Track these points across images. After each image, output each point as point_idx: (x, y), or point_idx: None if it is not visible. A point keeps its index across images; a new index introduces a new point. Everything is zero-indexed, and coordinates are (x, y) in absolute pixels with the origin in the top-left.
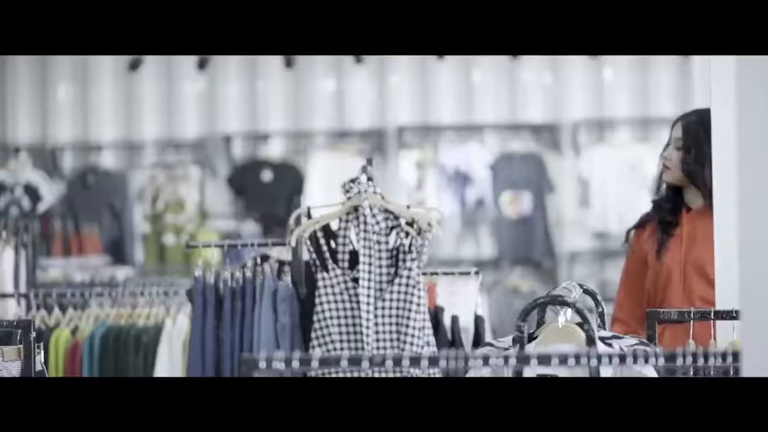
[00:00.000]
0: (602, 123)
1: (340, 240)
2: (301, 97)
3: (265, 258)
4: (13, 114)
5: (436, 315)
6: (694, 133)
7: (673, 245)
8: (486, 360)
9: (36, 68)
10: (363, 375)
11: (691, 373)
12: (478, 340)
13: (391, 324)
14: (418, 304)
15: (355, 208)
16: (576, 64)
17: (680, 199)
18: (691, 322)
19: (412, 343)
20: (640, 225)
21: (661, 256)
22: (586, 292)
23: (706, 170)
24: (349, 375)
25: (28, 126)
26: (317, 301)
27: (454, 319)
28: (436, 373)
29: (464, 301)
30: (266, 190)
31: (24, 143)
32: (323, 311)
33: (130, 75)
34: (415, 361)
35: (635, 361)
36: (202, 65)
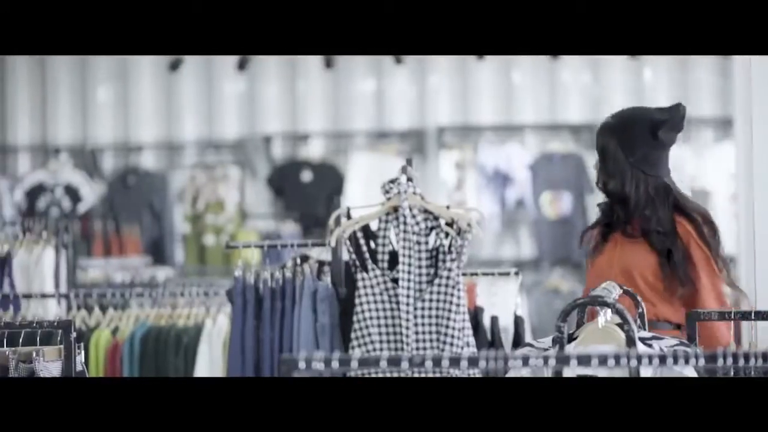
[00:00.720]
0: None
1: (380, 240)
2: (340, 98)
3: (304, 258)
4: (54, 115)
5: (475, 315)
6: (601, 138)
7: (607, 249)
8: (526, 360)
9: (76, 69)
10: (402, 375)
11: (732, 373)
12: (517, 341)
13: (430, 324)
14: (458, 305)
15: (395, 209)
16: (616, 65)
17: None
18: (732, 322)
19: (451, 344)
20: (593, 227)
21: (594, 258)
22: (626, 292)
23: (611, 179)
24: (388, 375)
25: (69, 127)
26: (357, 301)
27: (494, 320)
28: (475, 373)
29: (504, 301)
30: (306, 191)
31: (64, 144)
32: (363, 311)
33: (170, 75)
34: (455, 361)
35: (675, 361)
36: (242, 65)
